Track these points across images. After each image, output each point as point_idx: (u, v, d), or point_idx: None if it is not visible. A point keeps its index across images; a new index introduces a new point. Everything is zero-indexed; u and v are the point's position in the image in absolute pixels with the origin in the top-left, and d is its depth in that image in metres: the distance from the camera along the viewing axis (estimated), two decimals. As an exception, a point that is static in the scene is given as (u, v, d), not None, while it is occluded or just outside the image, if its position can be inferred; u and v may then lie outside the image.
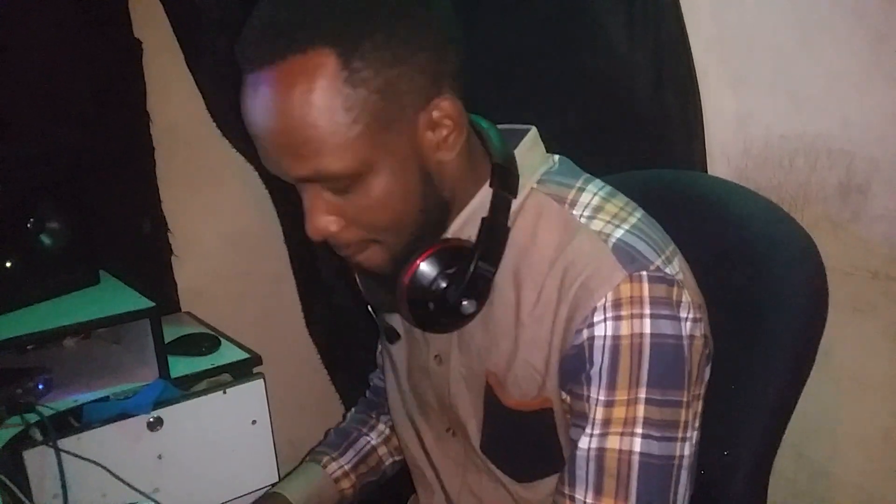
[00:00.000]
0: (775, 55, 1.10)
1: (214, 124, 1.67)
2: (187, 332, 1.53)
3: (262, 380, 1.35)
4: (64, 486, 1.10)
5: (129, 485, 1.12)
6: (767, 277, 0.92)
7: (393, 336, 0.97)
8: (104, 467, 1.13)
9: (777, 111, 1.11)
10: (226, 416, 1.32)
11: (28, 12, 1.50)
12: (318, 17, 0.70)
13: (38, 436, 1.14)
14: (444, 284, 0.78)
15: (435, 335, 0.91)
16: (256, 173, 1.70)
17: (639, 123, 1.24)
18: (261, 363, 1.42)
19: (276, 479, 1.37)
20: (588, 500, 0.77)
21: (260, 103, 0.71)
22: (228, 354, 1.44)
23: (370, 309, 0.96)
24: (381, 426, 1.14)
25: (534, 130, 0.88)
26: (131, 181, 1.64)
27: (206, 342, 1.47)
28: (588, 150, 0.98)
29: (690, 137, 1.20)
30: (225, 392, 1.31)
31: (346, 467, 1.08)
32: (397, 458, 1.13)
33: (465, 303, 0.79)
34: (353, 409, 1.18)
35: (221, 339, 1.51)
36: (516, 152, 0.83)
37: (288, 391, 1.59)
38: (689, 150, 1.19)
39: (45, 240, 1.39)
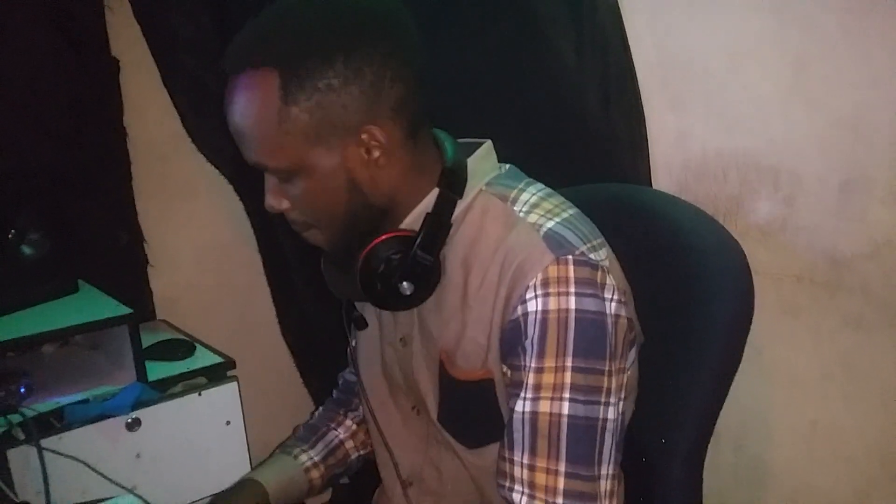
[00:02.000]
0: (710, 80, 1.20)
1: (190, 140, 1.73)
2: (163, 339, 1.59)
3: (235, 383, 1.42)
4: (46, 483, 1.16)
5: (109, 479, 1.18)
6: (699, 280, 1.02)
7: (361, 324, 1.07)
8: (85, 463, 1.18)
9: (712, 130, 1.22)
10: (201, 417, 1.38)
11: (7, 31, 1.56)
12: (275, 41, 0.87)
13: (21, 435, 1.20)
14: (386, 268, 0.91)
15: (400, 319, 1.02)
16: (231, 187, 1.77)
17: (588, 140, 1.34)
18: (234, 367, 1.49)
19: (250, 478, 1.43)
20: (524, 461, 0.87)
21: (228, 100, 0.90)
22: (203, 359, 1.51)
23: (343, 303, 1.07)
24: (348, 422, 1.22)
25: (488, 143, 1.00)
26: (108, 194, 1.70)
27: (181, 348, 1.54)
28: (542, 165, 1.07)
29: (636, 153, 1.30)
30: (200, 394, 1.38)
31: (316, 459, 1.16)
32: (363, 452, 1.21)
33: (403, 284, 0.91)
34: (320, 408, 1.26)
35: (196, 344, 1.57)
36: (469, 160, 0.96)
37: (262, 395, 1.66)
38: (635, 164, 1.29)
39: (26, 250, 1.45)
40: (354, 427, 1.22)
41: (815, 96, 1.09)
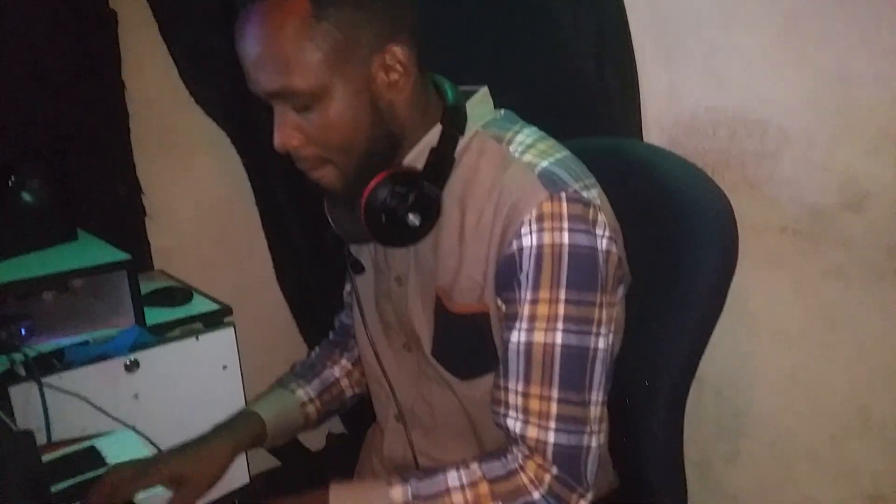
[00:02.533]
0: (700, 37, 1.23)
1: (188, 93, 1.75)
2: (161, 286, 1.62)
3: (232, 328, 1.45)
4: (47, 418, 1.19)
5: (108, 414, 1.21)
6: (686, 230, 1.05)
7: (358, 268, 1.11)
8: (85, 398, 1.22)
9: (702, 86, 1.24)
10: (198, 361, 1.41)
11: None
12: None
13: (23, 372, 1.23)
14: (393, 201, 0.92)
15: (396, 260, 1.05)
16: (229, 140, 1.79)
17: (582, 96, 1.36)
18: (231, 314, 1.52)
19: (245, 422, 1.47)
20: (519, 389, 0.91)
21: (247, 29, 0.88)
22: (200, 306, 1.55)
23: (343, 246, 1.09)
24: (343, 361, 1.26)
25: (485, 88, 1.03)
26: (107, 147, 1.72)
27: (178, 294, 1.57)
28: (535, 120, 1.09)
29: (629, 109, 1.32)
30: (197, 339, 1.41)
31: (312, 394, 1.20)
32: (357, 390, 1.25)
33: (410, 216, 0.93)
34: (317, 348, 1.29)
35: (194, 292, 1.60)
36: (468, 103, 0.99)
37: (258, 342, 1.69)
38: (627, 120, 1.31)
39: (26, 197, 1.47)
40: (349, 367, 1.26)
41: (803, 53, 1.12)
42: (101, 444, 1.12)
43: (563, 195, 0.90)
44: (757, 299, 1.24)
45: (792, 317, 1.23)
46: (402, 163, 0.98)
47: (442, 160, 0.95)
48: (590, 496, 0.91)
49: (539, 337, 0.90)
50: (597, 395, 0.92)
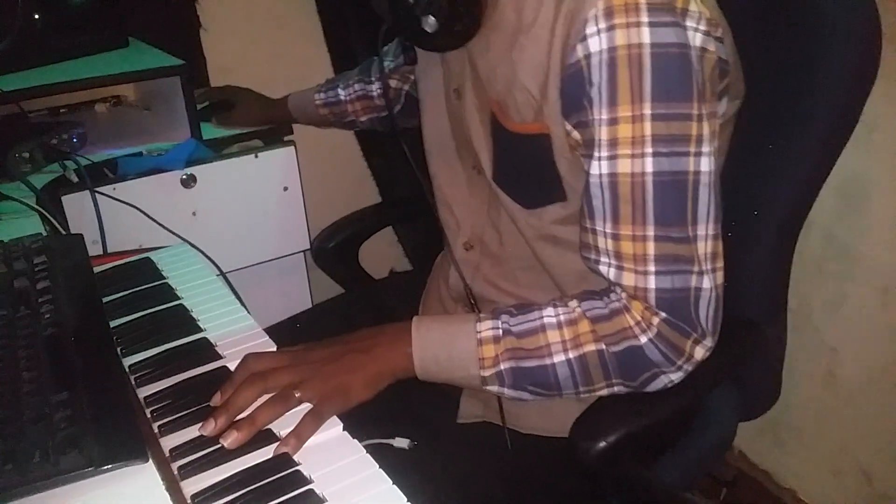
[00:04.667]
0: None
1: None
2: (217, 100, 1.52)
3: (293, 147, 1.36)
4: (101, 230, 1.13)
5: (165, 227, 1.15)
6: (813, 28, 0.87)
7: (413, 58, 1.00)
8: (140, 209, 1.15)
9: None
10: (258, 179, 1.34)
11: None
12: None
13: (75, 179, 1.16)
14: None
15: (455, 69, 0.92)
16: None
17: None
18: (291, 132, 1.42)
19: (307, 246, 1.41)
20: (607, 230, 0.77)
21: None
22: (259, 123, 1.44)
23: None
24: (356, 86, 1.31)
25: None
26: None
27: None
28: None
29: None
30: (256, 156, 1.33)
31: (322, 101, 1.34)
32: (364, 119, 1.33)
33: (426, 18, 0.79)
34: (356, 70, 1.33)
35: (252, 108, 1.50)
36: None
37: (320, 165, 1.61)
38: None
39: (71, -4, 1.36)
40: (356, 95, 1.31)
41: None
42: (157, 257, 1.06)
43: None
44: (887, 125, 1.07)
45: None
46: None
47: None
48: (710, 342, 0.78)
49: (624, 166, 0.74)
50: (705, 228, 0.76)
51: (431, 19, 0.79)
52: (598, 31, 0.72)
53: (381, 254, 1.88)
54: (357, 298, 1.25)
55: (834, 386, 1.28)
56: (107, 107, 1.51)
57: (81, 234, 0.97)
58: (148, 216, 1.15)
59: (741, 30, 0.83)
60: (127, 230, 1.19)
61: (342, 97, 1.32)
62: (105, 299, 0.91)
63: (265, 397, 0.70)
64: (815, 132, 0.90)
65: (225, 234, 1.32)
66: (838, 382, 1.27)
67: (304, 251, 1.43)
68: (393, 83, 1.24)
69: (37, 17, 1.31)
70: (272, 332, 1.14)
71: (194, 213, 1.28)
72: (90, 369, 0.70)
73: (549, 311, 0.79)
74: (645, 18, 0.71)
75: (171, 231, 1.13)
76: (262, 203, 1.35)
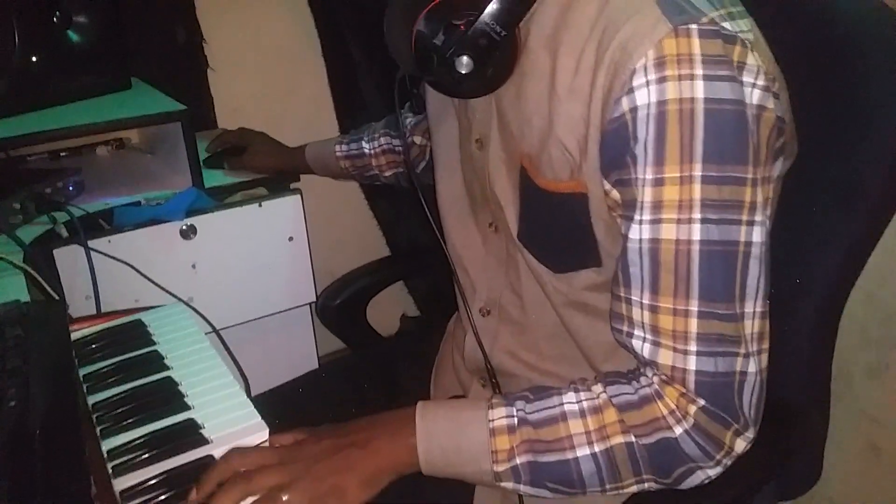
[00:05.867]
0: None
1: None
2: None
3: (299, 195, 1.30)
4: (95, 286, 1.07)
5: (159, 286, 1.08)
6: (870, 80, 0.80)
7: (420, 106, 0.95)
8: (134, 267, 1.09)
9: None
10: (261, 229, 1.27)
11: None
12: None
13: (67, 234, 1.10)
14: (444, 36, 0.73)
15: (479, 117, 0.85)
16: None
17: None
18: (298, 179, 1.36)
19: (314, 298, 1.35)
20: (645, 301, 0.69)
21: None
22: (265, 169, 1.37)
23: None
24: (382, 140, 1.26)
25: None
26: (164, -17, 1.53)
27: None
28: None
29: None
30: (260, 205, 1.26)
31: (344, 154, 1.28)
32: (388, 173, 1.28)
33: (460, 58, 0.73)
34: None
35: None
36: None
37: (327, 212, 1.55)
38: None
39: (73, 36, 1.31)
40: (381, 149, 1.26)
41: None
42: (150, 319, 0.99)
43: (694, 27, 0.64)
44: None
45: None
46: None
47: None
48: (752, 433, 0.69)
49: (669, 232, 0.66)
50: (753, 305, 0.69)
51: (465, 59, 0.72)
52: (647, 83, 0.65)
53: (391, 304, 1.81)
54: (364, 360, 1.17)
55: (876, 459, 1.18)
56: (109, 150, 1.46)
57: (63, 300, 0.91)
58: (142, 274, 1.08)
59: (791, 83, 0.76)
60: (123, 284, 1.12)
61: (366, 150, 1.27)
62: (88, 370, 0.84)
63: (249, 500, 0.63)
64: (866, 195, 0.82)
65: (226, 288, 1.25)
66: (881, 455, 1.18)
67: (310, 304, 1.36)
68: (418, 139, 1.18)
69: (35, 59, 1.25)
70: (274, 396, 1.09)
71: (194, 266, 1.22)
72: (52, 478, 0.62)
73: (571, 396, 0.71)
74: (699, 71, 0.64)
75: (165, 290, 1.06)
76: (265, 254, 1.28)
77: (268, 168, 1.36)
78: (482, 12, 0.71)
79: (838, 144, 0.82)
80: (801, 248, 0.85)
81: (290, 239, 1.29)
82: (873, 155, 0.80)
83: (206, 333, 0.97)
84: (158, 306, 1.01)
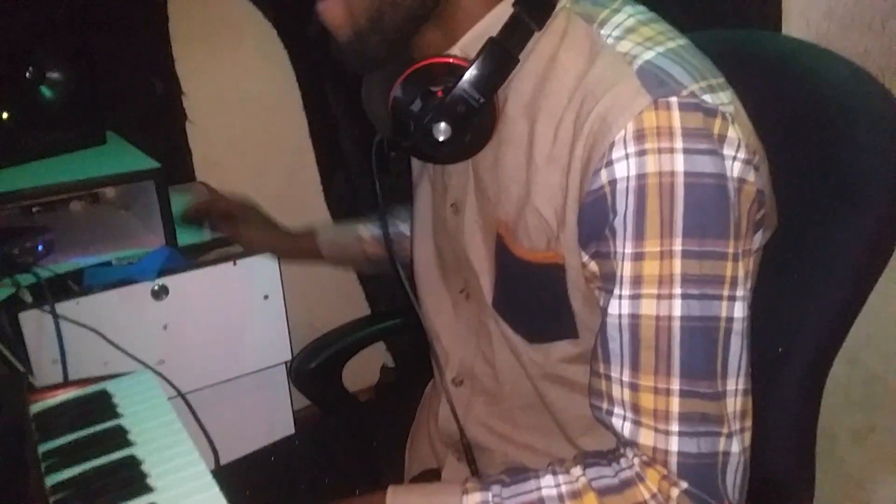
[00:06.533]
0: None
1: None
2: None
3: (275, 253, 1.27)
4: (62, 352, 1.04)
5: (127, 353, 1.05)
6: (851, 148, 0.79)
7: (398, 169, 0.93)
8: (101, 334, 1.06)
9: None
10: (236, 288, 1.25)
11: None
12: None
13: (34, 298, 1.08)
14: (420, 102, 0.71)
15: (454, 182, 0.83)
16: (275, 32, 1.57)
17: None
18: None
19: (290, 358, 1.32)
20: (625, 378, 0.67)
21: None
22: (241, 226, 1.35)
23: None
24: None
25: None
26: (141, 35, 1.52)
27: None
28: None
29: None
30: (235, 263, 1.24)
31: (375, 234, 1.13)
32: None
33: (437, 125, 0.71)
34: None
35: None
36: None
37: (304, 269, 1.51)
38: (763, 7, 1.03)
39: (46, 92, 1.29)
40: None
41: None
42: (116, 388, 0.96)
43: (674, 100, 0.63)
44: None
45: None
46: (450, 50, 0.74)
47: (499, 58, 0.70)
48: None
49: (648, 308, 0.65)
50: (735, 383, 0.67)
51: (443, 125, 0.71)
52: (627, 156, 0.64)
53: (371, 354, 1.78)
54: (339, 426, 1.14)
55: (863, 523, 1.16)
56: (82, 205, 1.43)
57: (26, 372, 0.88)
58: (109, 341, 1.05)
59: (771, 153, 0.75)
60: (91, 346, 1.09)
61: (405, 232, 1.11)
62: (49, 446, 0.81)
63: None
64: (848, 261, 0.80)
65: (198, 349, 1.22)
66: (868, 519, 1.15)
67: (285, 362, 1.33)
68: None
69: (6, 115, 1.23)
70: (246, 463, 1.06)
71: (165, 327, 1.19)
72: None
73: (549, 480, 0.69)
74: (679, 144, 0.63)
75: (133, 357, 1.03)
76: (239, 314, 1.25)
77: (263, 247, 1.21)
78: (460, 79, 0.70)
79: (818, 213, 0.80)
80: (781, 317, 0.83)
81: (266, 297, 1.27)
82: (854, 222, 0.79)
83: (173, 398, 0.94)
84: (126, 373, 0.98)
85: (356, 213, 1.70)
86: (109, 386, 0.96)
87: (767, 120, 0.76)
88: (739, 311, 0.66)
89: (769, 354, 0.83)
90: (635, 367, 0.66)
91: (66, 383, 1.01)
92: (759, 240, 0.74)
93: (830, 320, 0.82)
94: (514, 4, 0.71)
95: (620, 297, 0.66)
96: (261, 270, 1.26)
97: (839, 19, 0.99)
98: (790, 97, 0.84)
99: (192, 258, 1.24)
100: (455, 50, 0.73)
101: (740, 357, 0.67)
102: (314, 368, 1.12)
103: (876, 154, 0.78)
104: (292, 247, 1.19)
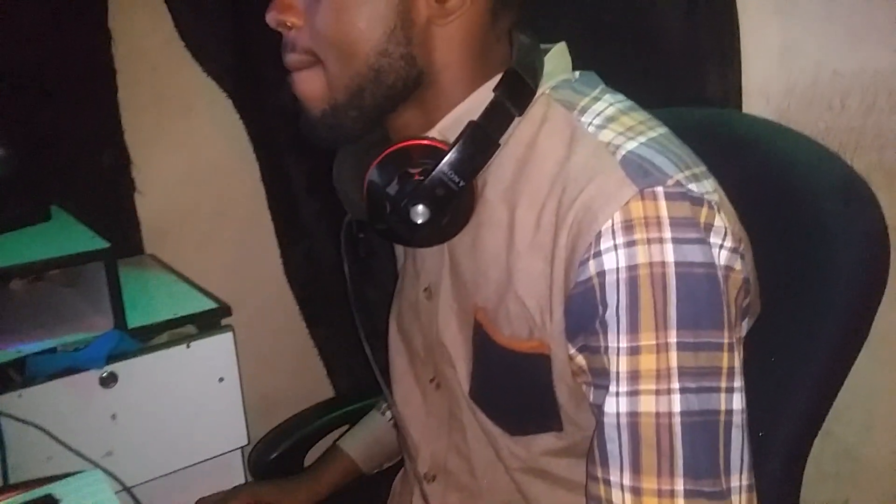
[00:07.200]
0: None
1: (184, 45, 1.49)
2: (150, 276, 1.38)
3: (231, 333, 1.22)
4: (3, 451, 0.97)
5: (73, 450, 0.98)
6: (816, 227, 0.79)
7: (367, 251, 0.88)
8: (46, 431, 0.99)
9: (830, 44, 0.97)
10: (189, 372, 1.18)
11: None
12: None
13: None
14: (398, 184, 0.70)
15: (427, 265, 0.82)
16: (230, 101, 1.53)
17: (666, 55, 1.09)
18: (230, 314, 1.28)
19: (245, 442, 1.25)
20: (626, 482, 0.64)
21: None
22: (194, 304, 1.29)
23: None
24: None
25: (562, 44, 0.77)
26: (90, 106, 1.46)
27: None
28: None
29: (724, 71, 1.05)
30: (188, 346, 1.18)
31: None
32: None
33: (415, 208, 0.70)
34: None
35: (188, 285, 1.36)
36: (545, 58, 0.74)
37: (261, 345, 1.46)
38: (723, 85, 1.04)
39: (-14, 167, 1.23)
40: None
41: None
42: (63, 491, 0.89)
43: (661, 190, 0.63)
44: (888, 318, 0.98)
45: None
46: (428, 133, 0.73)
47: (480, 142, 0.69)
48: None
49: (648, 405, 0.63)
50: (738, 479, 0.65)
51: (421, 208, 0.69)
52: (616, 247, 0.63)
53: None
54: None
55: None
56: (24, 284, 1.35)
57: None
58: (53, 437, 0.99)
59: (752, 240, 0.74)
60: (35, 441, 1.02)
61: None
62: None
63: None
64: (820, 347, 0.80)
65: (149, 438, 1.15)
66: None
67: (241, 447, 1.26)
68: None
69: (-57, 194, 1.17)
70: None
71: (114, 416, 1.12)
72: None
73: None
74: (668, 234, 0.62)
75: (78, 453, 0.97)
76: (193, 398, 1.19)
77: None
78: (440, 161, 0.68)
79: (795, 297, 0.80)
80: (764, 400, 0.81)
81: (221, 380, 1.21)
82: (830, 306, 0.79)
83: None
84: (73, 473, 0.92)
85: (315, 285, 1.67)
86: (55, 489, 0.89)
87: (748, 208, 0.75)
88: (738, 402, 0.65)
89: (754, 438, 0.81)
90: (636, 469, 0.63)
91: (8, 487, 0.94)
92: (745, 328, 0.73)
93: (808, 402, 0.81)
94: (494, 89, 0.70)
95: (618, 394, 0.64)
96: (216, 352, 1.20)
97: (799, 97, 1.00)
98: (752, 177, 0.84)
99: (144, 341, 1.18)
100: (434, 132, 0.72)
101: (742, 451, 0.65)
102: (274, 459, 1.07)
103: (843, 230, 0.79)
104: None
